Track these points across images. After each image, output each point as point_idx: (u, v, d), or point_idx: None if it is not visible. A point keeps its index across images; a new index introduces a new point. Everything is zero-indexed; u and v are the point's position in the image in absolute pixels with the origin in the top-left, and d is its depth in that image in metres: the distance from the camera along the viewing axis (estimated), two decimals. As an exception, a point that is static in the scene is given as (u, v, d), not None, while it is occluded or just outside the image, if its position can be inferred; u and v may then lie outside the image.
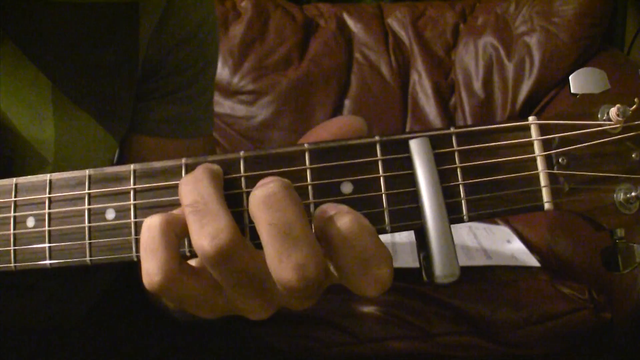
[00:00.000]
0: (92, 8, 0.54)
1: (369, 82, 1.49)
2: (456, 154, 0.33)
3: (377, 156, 0.33)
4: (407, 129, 1.47)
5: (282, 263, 0.31)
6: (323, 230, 0.32)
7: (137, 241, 0.35)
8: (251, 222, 0.33)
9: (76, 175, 0.37)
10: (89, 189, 0.36)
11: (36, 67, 0.53)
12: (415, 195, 0.33)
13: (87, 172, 0.37)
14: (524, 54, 1.42)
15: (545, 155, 0.33)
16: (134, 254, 0.36)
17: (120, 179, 0.36)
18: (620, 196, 0.34)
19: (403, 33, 1.54)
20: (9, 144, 0.53)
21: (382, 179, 0.33)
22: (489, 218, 0.34)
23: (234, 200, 0.34)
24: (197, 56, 0.63)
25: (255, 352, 0.90)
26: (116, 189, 0.36)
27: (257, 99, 1.48)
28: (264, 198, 0.31)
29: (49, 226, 0.37)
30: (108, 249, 0.36)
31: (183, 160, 0.35)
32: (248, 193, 0.34)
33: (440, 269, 0.32)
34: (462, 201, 0.33)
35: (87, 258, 0.37)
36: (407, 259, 0.97)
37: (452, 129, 0.34)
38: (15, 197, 0.38)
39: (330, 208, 0.32)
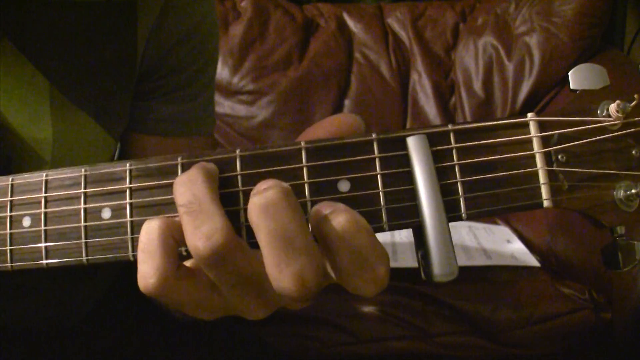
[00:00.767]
0: (90, 7, 0.53)
1: (369, 82, 1.49)
2: (454, 151, 0.33)
3: (374, 154, 0.33)
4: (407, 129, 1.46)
5: (281, 272, 0.30)
6: (319, 229, 0.32)
7: (133, 240, 0.35)
8: (247, 221, 0.32)
9: (72, 174, 0.37)
10: (85, 188, 0.36)
11: (34, 66, 0.53)
12: (413, 193, 0.33)
13: (82, 171, 0.36)
14: (524, 54, 1.41)
15: (544, 152, 0.33)
16: (130, 253, 0.35)
17: (116, 178, 0.36)
18: (621, 193, 0.33)
19: (403, 33, 1.54)
20: (7, 144, 0.53)
21: (379, 177, 0.33)
22: (487, 216, 0.33)
23: (230, 199, 0.33)
24: (197, 54, 0.63)
25: (255, 352, 0.89)
26: (112, 187, 0.36)
27: (257, 99, 1.48)
28: (263, 206, 0.31)
29: (45, 225, 0.37)
30: (104, 249, 0.36)
31: (179, 159, 0.35)
32: (244, 192, 0.33)
33: (438, 267, 0.31)
34: (461, 199, 0.33)
35: (84, 258, 0.36)
36: (407, 259, 0.97)
37: (449, 126, 0.33)
38: (11, 196, 0.38)
39: (326, 207, 0.32)
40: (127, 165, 0.35)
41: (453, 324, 0.89)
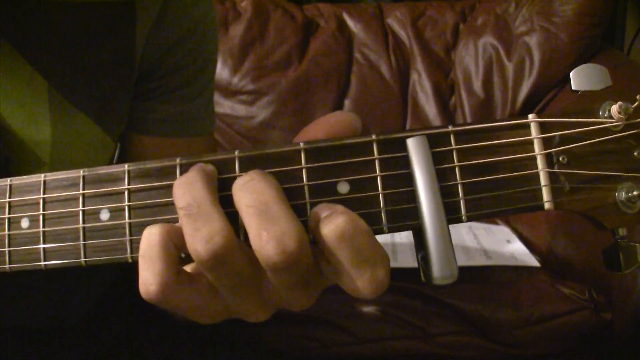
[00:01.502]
0: (88, 7, 0.53)
1: (369, 82, 1.49)
2: (454, 153, 0.33)
3: (374, 155, 0.33)
4: (407, 129, 1.46)
5: (261, 240, 0.30)
6: (318, 231, 0.31)
7: (132, 242, 0.35)
8: None
9: (70, 175, 0.36)
10: (83, 189, 0.36)
11: (32, 68, 0.52)
12: (413, 195, 0.32)
13: (81, 172, 0.36)
14: (524, 54, 1.41)
15: (545, 153, 0.33)
16: (128, 255, 0.35)
17: (115, 179, 0.36)
18: (622, 195, 0.33)
19: (403, 33, 1.54)
20: (6, 145, 0.53)
21: (379, 179, 0.33)
22: (488, 218, 0.33)
23: (229, 200, 0.33)
24: (196, 54, 0.62)
25: (255, 352, 0.89)
26: (110, 189, 0.36)
27: (257, 99, 1.47)
28: (242, 184, 0.32)
29: (44, 227, 0.37)
30: (102, 250, 0.36)
31: (177, 160, 0.35)
32: None
33: (438, 270, 0.31)
34: (461, 201, 0.33)
35: (82, 259, 0.36)
36: (407, 259, 0.97)
37: (450, 127, 0.33)
38: (10, 198, 0.38)
39: (325, 209, 0.32)
40: (126, 166, 0.35)
41: (453, 324, 0.89)
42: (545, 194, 0.33)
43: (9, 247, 0.38)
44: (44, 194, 0.37)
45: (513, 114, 1.41)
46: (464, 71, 1.47)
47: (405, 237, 1.08)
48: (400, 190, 0.33)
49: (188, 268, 0.35)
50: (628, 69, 1.24)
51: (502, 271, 0.98)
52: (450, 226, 0.32)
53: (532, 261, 1.02)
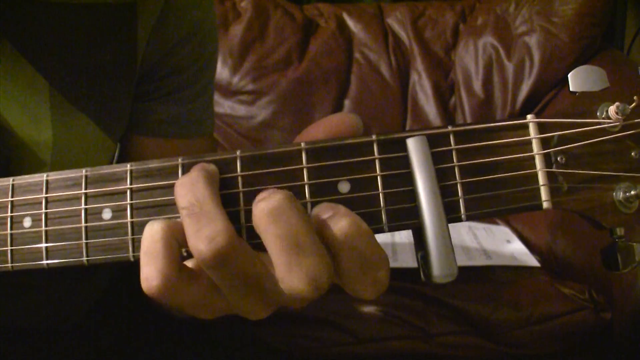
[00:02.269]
0: (90, 9, 0.53)
1: (369, 82, 1.49)
2: (454, 153, 0.33)
3: (374, 155, 0.33)
4: (407, 129, 1.47)
5: (292, 273, 0.31)
6: (320, 232, 0.32)
7: (134, 241, 0.35)
8: (248, 222, 0.33)
9: (72, 175, 0.37)
10: (86, 189, 0.36)
11: (34, 69, 0.53)
12: (413, 195, 0.33)
13: (83, 172, 0.36)
14: (524, 54, 1.41)
15: (543, 153, 0.33)
16: (130, 254, 0.36)
17: (117, 178, 0.36)
18: (620, 195, 0.33)
19: (403, 33, 1.54)
20: (6, 146, 0.53)
21: (379, 178, 0.33)
22: (487, 217, 0.33)
23: (230, 199, 0.33)
24: (197, 56, 0.63)
25: (255, 352, 0.90)
26: (112, 188, 0.36)
27: (257, 99, 1.48)
28: (270, 211, 0.31)
29: (46, 226, 0.37)
30: (104, 249, 0.36)
31: (179, 160, 0.35)
32: (245, 193, 0.34)
33: (437, 268, 0.32)
34: (460, 200, 0.33)
35: (84, 258, 0.37)
36: (407, 259, 0.97)
37: (449, 128, 0.33)
38: (12, 197, 0.38)
39: (327, 210, 0.32)
40: (128, 166, 0.36)
41: (453, 324, 0.89)
42: (544, 194, 0.33)
43: (11, 246, 0.38)
44: (46, 193, 0.37)
45: (513, 114, 1.41)
46: (464, 71, 1.47)
47: (405, 237, 1.08)
48: (400, 190, 0.33)
49: (189, 263, 0.36)
50: (627, 69, 1.24)
51: (502, 271, 0.98)
52: (450, 226, 0.33)
53: (532, 261, 1.02)
